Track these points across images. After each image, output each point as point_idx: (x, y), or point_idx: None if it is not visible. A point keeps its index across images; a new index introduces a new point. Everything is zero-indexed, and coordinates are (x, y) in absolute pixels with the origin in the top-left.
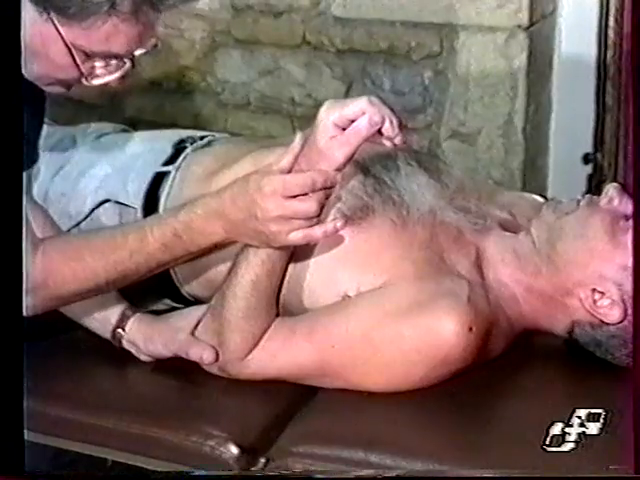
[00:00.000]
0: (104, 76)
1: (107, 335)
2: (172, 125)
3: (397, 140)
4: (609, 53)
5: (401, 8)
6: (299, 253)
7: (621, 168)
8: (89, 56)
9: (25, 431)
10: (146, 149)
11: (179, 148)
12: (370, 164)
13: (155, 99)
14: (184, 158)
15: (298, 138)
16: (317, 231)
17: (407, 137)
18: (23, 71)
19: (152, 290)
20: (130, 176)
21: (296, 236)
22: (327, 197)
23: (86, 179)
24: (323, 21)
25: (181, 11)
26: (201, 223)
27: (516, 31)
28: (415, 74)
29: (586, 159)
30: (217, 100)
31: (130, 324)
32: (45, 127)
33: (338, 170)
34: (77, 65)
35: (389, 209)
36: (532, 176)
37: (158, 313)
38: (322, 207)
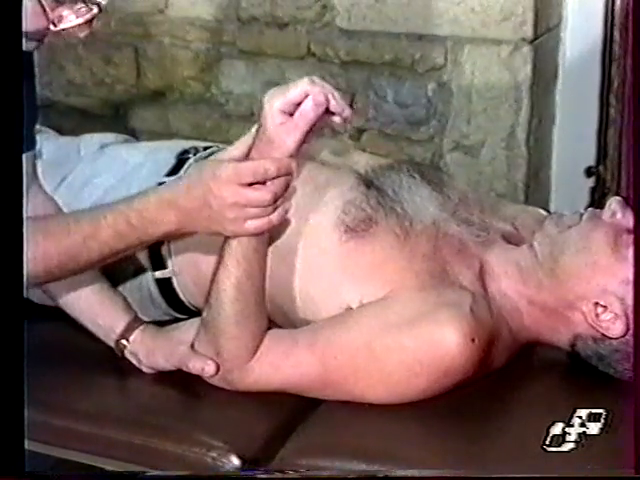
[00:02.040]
0: (71, 21)
1: (110, 343)
2: (175, 136)
3: (345, 113)
4: (613, 66)
5: (406, 20)
6: (302, 265)
7: (624, 181)
8: (57, 2)
9: (26, 441)
10: (149, 160)
11: (182, 159)
12: (373, 176)
13: (159, 109)
14: (187, 169)
15: (254, 129)
16: (273, 219)
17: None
18: None
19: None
20: (133, 186)
21: (252, 225)
22: (285, 186)
23: (90, 189)
24: (328, 33)
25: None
26: (154, 211)
27: (521, 44)
28: (419, 86)
29: (589, 172)
30: (221, 111)
31: (134, 335)
32: (49, 137)
33: (292, 157)
34: (45, 12)
35: (392, 221)
36: (535, 189)
37: (162, 324)
38: (279, 195)
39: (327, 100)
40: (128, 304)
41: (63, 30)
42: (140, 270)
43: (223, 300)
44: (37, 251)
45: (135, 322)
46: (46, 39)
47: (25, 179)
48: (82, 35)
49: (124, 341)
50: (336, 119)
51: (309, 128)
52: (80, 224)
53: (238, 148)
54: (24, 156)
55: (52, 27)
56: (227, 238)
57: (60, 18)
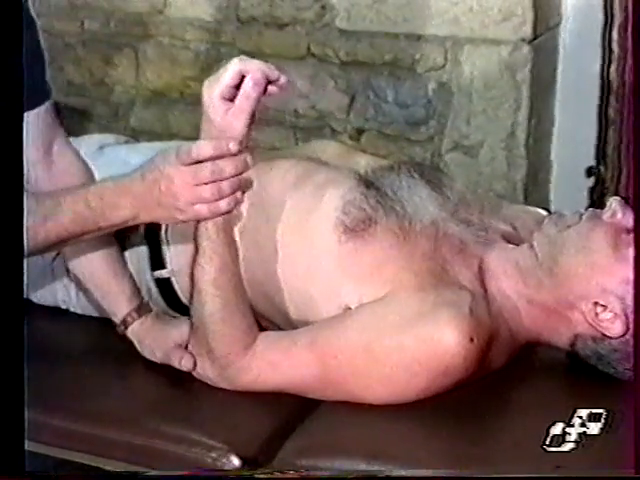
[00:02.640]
0: None
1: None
2: (175, 136)
3: (282, 80)
4: (612, 66)
5: (405, 20)
6: (301, 265)
7: (624, 181)
8: None
9: (26, 442)
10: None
11: None
12: (372, 177)
13: (158, 110)
14: None
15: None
16: (221, 204)
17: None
18: None
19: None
20: None
21: (201, 209)
22: (233, 169)
23: None
24: (327, 33)
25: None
26: (111, 196)
27: (520, 44)
28: (419, 86)
29: (589, 172)
30: None
31: (132, 326)
32: None
33: (243, 138)
34: None
35: (392, 221)
36: (534, 189)
37: None
38: (223, 175)
39: (265, 77)
40: (135, 291)
41: None
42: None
43: (204, 299)
44: None
45: (137, 312)
46: None
47: (47, 131)
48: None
49: (122, 328)
50: (273, 89)
51: (254, 108)
52: (41, 206)
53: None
54: (42, 107)
55: None
56: (196, 237)
57: None
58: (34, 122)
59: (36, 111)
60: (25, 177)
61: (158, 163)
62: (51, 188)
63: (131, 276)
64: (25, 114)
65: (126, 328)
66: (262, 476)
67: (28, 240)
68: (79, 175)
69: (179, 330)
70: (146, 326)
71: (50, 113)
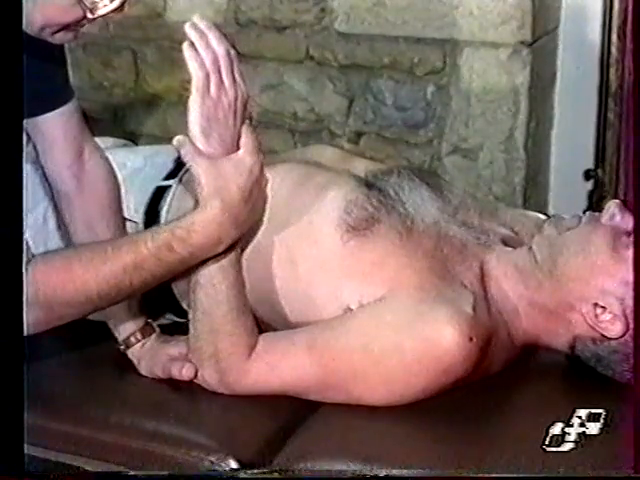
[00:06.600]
0: (106, 5)
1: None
2: None
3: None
4: (611, 70)
5: (404, 23)
6: (303, 267)
7: (622, 184)
8: None
9: (25, 445)
10: (147, 163)
11: (180, 162)
12: (373, 179)
13: (157, 113)
14: (185, 172)
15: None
16: None
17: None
18: (25, 27)
19: (155, 305)
20: (131, 190)
21: None
22: None
23: None
24: (326, 36)
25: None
26: (199, 239)
27: (519, 47)
28: (418, 89)
29: (587, 175)
30: None
31: (132, 348)
32: None
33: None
34: (80, 2)
35: (394, 220)
36: (533, 192)
37: (162, 328)
38: None
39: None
40: (142, 309)
41: (100, 17)
42: None
43: (221, 300)
44: (75, 279)
45: (141, 332)
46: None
47: (76, 134)
48: (116, 18)
49: (124, 347)
50: None
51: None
52: (119, 251)
53: None
54: (66, 107)
55: (89, 15)
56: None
57: (95, 5)
58: (58, 122)
59: (59, 111)
60: (52, 182)
61: (232, 170)
62: (79, 195)
63: (139, 300)
64: (47, 114)
65: (127, 348)
66: (261, 478)
67: (110, 289)
68: (109, 183)
69: (176, 347)
70: (146, 347)
71: (76, 115)
